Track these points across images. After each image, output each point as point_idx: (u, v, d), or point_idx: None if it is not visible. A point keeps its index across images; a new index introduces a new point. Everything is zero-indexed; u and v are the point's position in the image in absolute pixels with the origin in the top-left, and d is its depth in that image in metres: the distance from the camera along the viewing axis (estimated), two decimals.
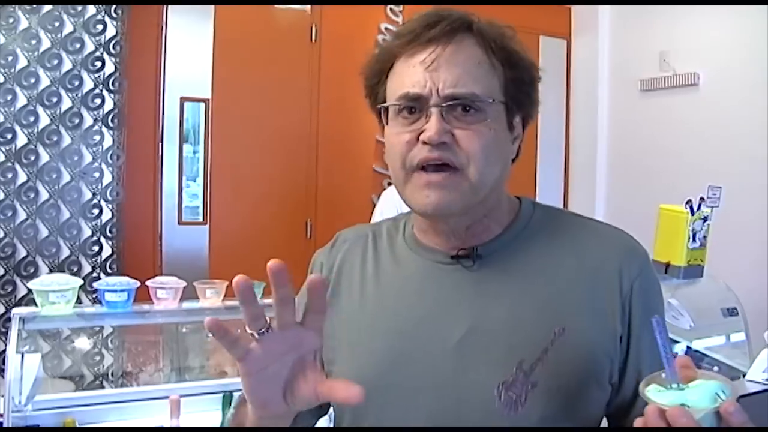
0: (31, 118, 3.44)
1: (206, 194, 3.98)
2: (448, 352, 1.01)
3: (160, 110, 3.87)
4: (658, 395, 0.83)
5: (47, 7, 3.44)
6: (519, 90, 1.04)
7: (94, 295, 3.20)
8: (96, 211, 3.57)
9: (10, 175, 3.42)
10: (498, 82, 1.01)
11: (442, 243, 1.07)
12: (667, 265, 2.69)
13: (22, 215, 3.44)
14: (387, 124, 1.04)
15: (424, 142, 0.97)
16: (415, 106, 1.00)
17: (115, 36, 3.58)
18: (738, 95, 3.90)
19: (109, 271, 3.56)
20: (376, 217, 2.98)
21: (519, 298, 1.02)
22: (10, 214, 3.42)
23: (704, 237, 2.70)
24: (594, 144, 4.86)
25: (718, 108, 4.02)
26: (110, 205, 3.60)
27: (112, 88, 3.58)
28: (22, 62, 3.42)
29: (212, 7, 3.92)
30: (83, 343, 3.13)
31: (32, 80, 3.44)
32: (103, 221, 3.59)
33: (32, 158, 3.45)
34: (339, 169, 4.24)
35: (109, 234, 3.60)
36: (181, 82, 3.90)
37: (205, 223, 3.96)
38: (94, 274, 3.52)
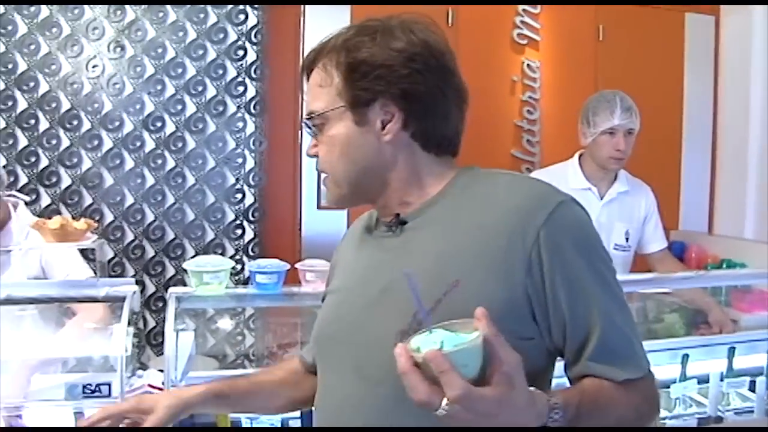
0: (179, 107, 3.59)
1: None
2: (366, 308, 1.17)
3: (300, 97, 3.94)
4: (416, 338, 0.91)
5: None
6: (357, 83, 1.15)
7: (237, 277, 3.31)
8: (239, 196, 3.69)
9: (159, 162, 3.58)
10: (333, 89, 1.17)
11: (385, 216, 1.25)
12: None
13: (170, 200, 3.60)
14: None
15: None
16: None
17: (256, 25, 3.67)
18: None
19: (251, 254, 3.68)
20: None
21: (425, 255, 1.12)
22: (159, 198, 3.59)
23: None
24: (746, 129, 4.51)
25: None
26: (253, 190, 3.70)
27: (254, 76, 3.68)
28: (170, 53, 3.57)
29: None
30: (226, 323, 3.24)
31: (179, 70, 3.59)
32: (246, 205, 3.70)
33: (180, 145, 3.60)
34: (477, 154, 4.11)
35: (251, 218, 3.70)
36: None
37: (344, 208, 3.99)
38: (237, 257, 3.65)
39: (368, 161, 1.19)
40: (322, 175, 1.25)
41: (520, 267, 1.05)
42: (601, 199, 2.90)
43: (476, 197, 1.15)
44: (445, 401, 0.84)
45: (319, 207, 3.93)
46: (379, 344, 1.07)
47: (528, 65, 4.27)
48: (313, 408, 1.31)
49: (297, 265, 2.14)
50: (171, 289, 2.09)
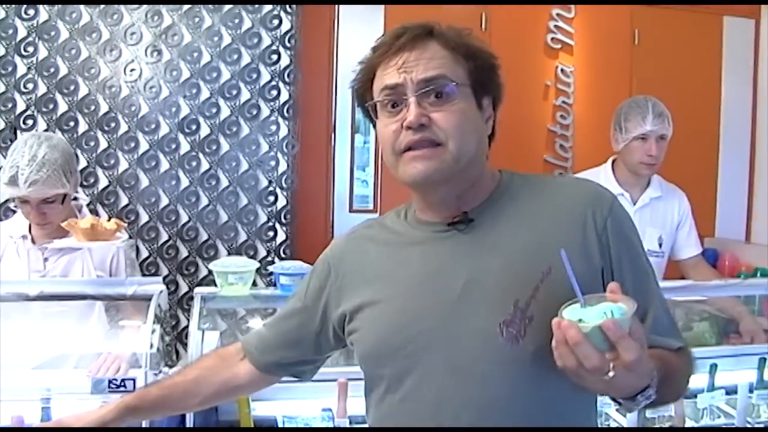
0: (213, 110, 3.65)
1: (376, 183, 4.05)
2: (452, 304, 1.17)
3: (332, 101, 3.98)
4: (566, 311, 0.98)
5: (228, 5, 3.63)
6: (482, 75, 1.22)
7: (268, 279, 3.34)
8: (272, 198, 3.73)
9: (194, 164, 3.64)
10: (462, 69, 1.20)
11: (438, 216, 1.25)
12: None
13: (204, 201, 3.66)
14: (377, 119, 1.24)
15: (408, 128, 1.16)
16: (396, 100, 1.19)
17: (290, 30, 3.71)
18: None
19: (282, 255, 3.72)
20: None
21: (508, 248, 1.17)
22: (194, 200, 3.65)
23: None
24: None
25: None
26: (285, 193, 3.74)
27: (287, 80, 3.72)
28: (205, 58, 3.63)
29: None
30: (257, 324, 3.24)
31: (214, 74, 3.65)
32: (278, 208, 3.74)
33: (214, 147, 3.66)
34: (511, 158, 4.09)
35: (283, 220, 3.74)
36: (353, 73, 3.96)
37: (375, 211, 4.03)
38: (269, 258, 3.69)
39: (480, 146, 1.24)
40: (426, 149, 1.17)
41: (595, 251, 1.17)
42: (634, 204, 2.88)
43: (535, 194, 1.24)
44: (611, 366, 0.94)
45: (350, 210, 3.97)
46: (480, 339, 1.14)
47: (561, 70, 4.25)
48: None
49: None
50: (197, 289, 2.14)
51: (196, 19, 3.60)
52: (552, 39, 4.23)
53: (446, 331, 1.17)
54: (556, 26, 4.24)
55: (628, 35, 4.33)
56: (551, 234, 1.17)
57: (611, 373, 0.94)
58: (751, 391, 2.23)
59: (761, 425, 2.22)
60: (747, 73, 4.60)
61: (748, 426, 2.20)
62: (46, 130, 3.45)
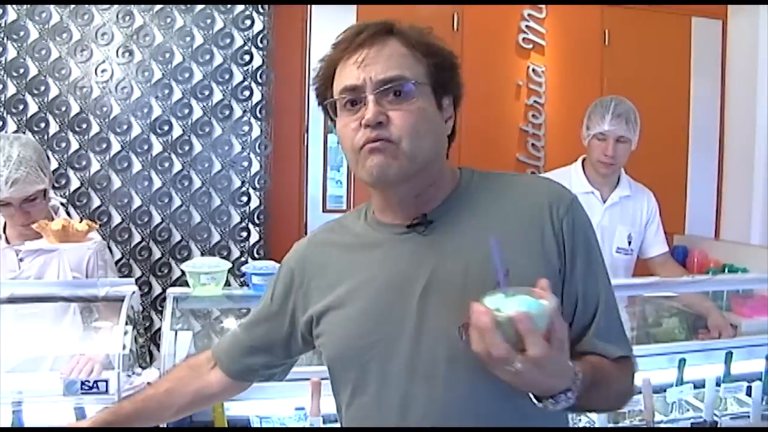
0: (186, 111, 3.64)
1: (350, 183, 4.06)
2: (413, 307, 1.18)
3: (305, 101, 3.98)
4: (488, 298, 0.99)
5: (200, 6, 3.62)
6: (442, 74, 1.22)
7: (242, 279, 3.34)
8: (245, 199, 3.73)
9: (166, 165, 3.63)
10: (422, 68, 1.20)
11: (398, 217, 1.25)
12: None
13: (177, 202, 3.65)
14: (337, 117, 1.23)
15: (366, 125, 1.15)
16: (355, 98, 1.18)
17: (262, 30, 3.71)
18: None
19: (256, 256, 3.72)
20: None
21: (467, 250, 1.18)
22: (166, 201, 3.64)
23: None
24: (752, 134, 4.50)
25: None
26: (258, 193, 3.74)
27: (260, 80, 3.71)
28: (177, 58, 3.62)
29: None
30: (231, 324, 3.24)
31: (186, 75, 3.64)
32: (252, 208, 3.74)
33: (186, 148, 3.65)
34: (482, 158, 4.16)
35: (257, 221, 3.74)
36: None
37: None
38: (243, 259, 3.69)
39: (438, 145, 1.23)
40: (380, 143, 1.16)
41: (552, 251, 1.18)
42: (604, 202, 2.92)
43: (495, 194, 1.25)
44: (519, 359, 0.94)
45: (324, 210, 3.97)
46: (440, 342, 1.15)
47: (533, 69, 4.29)
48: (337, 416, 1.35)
49: None
50: (170, 290, 2.13)
51: (168, 20, 3.59)
52: (523, 39, 4.27)
53: (407, 335, 1.18)
54: (527, 26, 4.27)
55: (598, 35, 4.38)
56: (509, 234, 1.16)
57: (518, 365, 0.94)
58: (718, 384, 2.27)
59: (728, 417, 2.26)
60: (715, 73, 4.68)
61: (715, 419, 2.25)
62: (16, 132, 3.42)
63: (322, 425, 1.97)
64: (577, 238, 1.20)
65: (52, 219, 2.35)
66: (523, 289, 1.01)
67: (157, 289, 3.64)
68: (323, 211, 4.01)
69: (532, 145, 4.30)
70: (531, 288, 1.01)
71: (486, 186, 1.26)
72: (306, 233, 3.94)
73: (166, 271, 3.66)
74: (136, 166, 3.60)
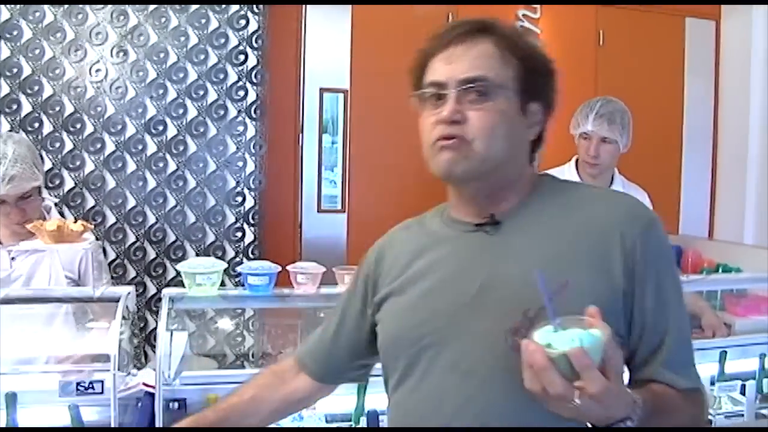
0: (180, 111, 3.63)
1: (344, 183, 4.06)
2: (465, 306, 1.18)
3: (300, 101, 3.99)
4: (537, 333, 0.96)
5: (195, 6, 3.62)
6: (534, 80, 1.21)
7: (237, 279, 3.34)
8: (239, 199, 3.72)
9: (161, 165, 3.62)
10: (510, 72, 1.19)
11: (469, 214, 1.26)
12: None
13: (171, 202, 3.64)
14: (422, 109, 1.25)
15: (442, 122, 1.18)
16: (440, 94, 1.20)
17: (257, 30, 3.70)
18: None
19: (251, 256, 3.71)
20: None
21: (528, 257, 1.16)
22: (161, 201, 3.63)
23: None
24: (746, 133, 4.52)
25: None
26: (253, 193, 3.74)
27: (254, 80, 3.71)
28: (172, 58, 3.61)
29: None
30: (226, 324, 3.26)
31: (181, 75, 3.63)
32: (246, 208, 3.73)
33: (181, 148, 3.64)
34: None
35: (251, 221, 3.74)
36: (321, 73, 4.00)
37: (344, 211, 4.04)
38: (237, 259, 3.68)
39: (515, 149, 1.22)
40: (453, 141, 1.18)
41: (619, 271, 1.14)
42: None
43: (567, 205, 1.22)
44: (577, 394, 0.91)
45: (319, 210, 3.98)
46: (486, 342, 1.14)
47: None
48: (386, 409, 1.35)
49: (288, 268, 2.17)
50: (165, 290, 2.13)
51: (163, 20, 3.58)
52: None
53: (455, 331, 1.18)
54: (522, 26, 4.27)
55: (593, 36, 4.39)
56: (575, 247, 1.16)
57: (577, 401, 0.92)
58: (712, 383, 2.28)
59: (722, 416, 2.27)
60: (709, 73, 4.70)
61: (709, 418, 2.26)
62: (10, 131, 3.41)
63: (326, 425, 1.98)
64: (650, 261, 1.15)
65: (45, 219, 2.35)
66: (572, 318, 0.97)
67: (151, 290, 3.63)
68: (318, 212, 4.01)
69: None
70: (580, 317, 0.98)
71: (561, 196, 1.25)
72: (301, 233, 4.00)
73: (160, 271, 3.65)
74: (131, 166, 3.60)
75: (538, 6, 4.31)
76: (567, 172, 2.97)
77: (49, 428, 1.93)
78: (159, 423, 1.88)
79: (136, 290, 3.45)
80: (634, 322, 1.15)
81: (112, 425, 1.83)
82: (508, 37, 1.22)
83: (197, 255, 3.65)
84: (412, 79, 1.29)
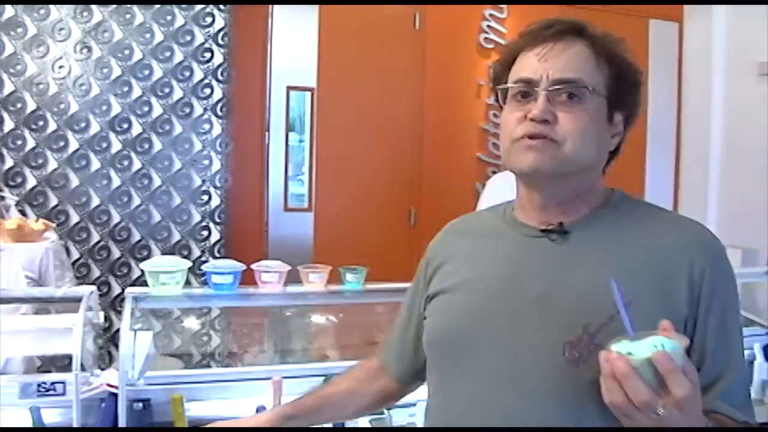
0: (146, 108, 3.60)
1: (311, 181, 4.05)
2: (524, 311, 1.14)
3: (266, 99, 3.96)
4: (615, 345, 0.93)
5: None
6: (622, 89, 1.18)
7: (202, 278, 3.32)
8: (205, 198, 3.70)
9: (126, 163, 3.59)
10: (602, 78, 1.16)
11: (535, 219, 1.21)
12: None
13: (136, 201, 3.61)
14: (505, 103, 1.20)
15: (531, 119, 1.13)
16: (528, 91, 1.16)
17: (223, 28, 3.69)
18: None
19: (217, 255, 3.69)
20: (482, 205, 2.94)
21: (593, 271, 1.12)
22: (125, 199, 3.60)
23: None
24: (707, 133, 4.61)
25: None
26: (219, 192, 3.72)
27: (220, 78, 3.69)
28: (137, 55, 3.58)
29: None
30: (192, 323, 3.24)
31: (146, 72, 3.60)
32: (212, 207, 3.71)
33: (146, 146, 3.61)
34: (443, 157, 4.23)
35: (217, 219, 3.72)
36: (287, 71, 3.98)
37: (310, 210, 4.03)
38: (203, 258, 3.66)
39: (598, 157, 1.19)
40: (541, 140, 1.14)
41: (683, 298, 1.09)
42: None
43: (637, 224, 1.18)
44: (662, 402, 0.88)
45: (285, 209, 3.96)
46: (542, 352, 1.10)
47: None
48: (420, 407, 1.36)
49: (253, 266, 2.16)
50: (128, 290, 2.10)
51: (127, 16, 3.55)
52: (485, 39, 4.30)
53: (509, 337, 1.15)
54: (488, 26, 4.30)
55: None
56: (642, 268, 1.12)
57: (661, 410, 0.88)
58: None
59: None
60: (672, 74, 4.77)
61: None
62: None
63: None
64: (716, 292, 1.11)
65: (3, 218, 2.32)
66: (647, 333, 0.93)
67: (116, 290, 3.59)
68: (284, 210, 3.99)
69: (493, 144, 4.33)
70: (645, 332, 0.94)
71: (631, 214, 1.21)
72: (267, 232, 3.99)
73: (125, 270, 3.61)
74: (95, 164, 3.56)
75: (505, 6, 4.34)
76: None
77: (65, 428, 1.91)
78: (122, 424, 1.86)
79: (101, 290, 3.43)
80: (693, 350, 1.09)
81: (75, 426, 1.80)
82: (603, 42, 1.18)
83: (163, 254, 3.62)
84: (496, 72, 1.25)
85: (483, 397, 1.16)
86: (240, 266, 2.11)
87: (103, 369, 2.21)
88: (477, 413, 1.16)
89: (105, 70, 3.54)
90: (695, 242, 1.14)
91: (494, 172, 4.15)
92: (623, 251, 1.14)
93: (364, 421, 2.06)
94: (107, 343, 3.41)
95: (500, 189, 2.95)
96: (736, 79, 4.46)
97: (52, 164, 3.50)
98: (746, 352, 2.40)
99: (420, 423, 1.98)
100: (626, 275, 1.08)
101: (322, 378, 2.16)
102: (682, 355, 0.90)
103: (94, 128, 3.54)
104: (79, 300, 2.02)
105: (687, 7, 4.77)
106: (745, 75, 4.35)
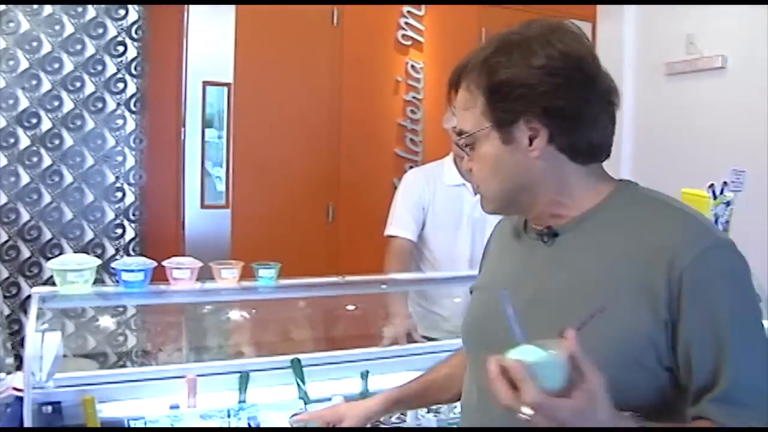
0: (56, 103, 3.50)
1: (229, 178, 4.02)
2: (518, 313, 1.11)
3: (182, 94, 3.91)
4: (511, 351, 0.98)
5: None
6: (501, 104, 1.15)
7: (115, 277, 3.25)
8: (119, 195, 3.63)
9: (35, 159, 3.48)
10: (478, 108, 1.17)
11: (535, 223, 1.26)
12: None
13: (47, 198, 3.51)
14: None
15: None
16: None
17: (137, 21, 3.61)
18: (766, 79, 3.82)
19: (132, 253, 3.62)
20: (398, 201, 2.96)
21: (574, 274, 1.16)
22: (35, 197, 3.49)
23: (726, 222, 2.64)
24: (619, 129, 4.63)
25: (746, 92, 3.94)
26: (133, 189, 3.65)
27: (134, 72, 3.62)
28: (46, 48, 3.47)
29: None
30: (107, 322, 3.16)
31: (56, 65, 3.50)
32: (126, 204, 3.64)
33: (57, 142, 3.51)
34: (361, 153, 4.25)
35: (132, 217, 3.65)
36: (204, 66, 3.93)
37: (228, 207, 4.00)
38: (117, 257, 3.58)
39: (518, 178, 1.19)
40: (475, 186, 1.26)
41: (662, 303, 1.06)
42: (475, 195, 2.98)
43: (632, 221, 1.15)
44: (524, 406, 0.93)
45: (202, 206, 3.92)
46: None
47: (412, 66, 4.37)
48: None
49: (164, 263, 2.12)
50: (34, 289, 2.04)
51: (35, 6, 3.43)
52: (402, 36, 4.34)
53: (503, 338, 1.11)
54: (406, 23, 4.36)
55: (474, 34, 4.50)
56: (621, 270, 1.10)
57: (523, 414, 0.93)
58: None
59: None
60: None
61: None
62: None
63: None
64: (701, 294, 1.06)
65: None
66: (548, 341, 0.97)
67: (26, 291, 3.48)
68: (201, 207, 3.95)
69: (411, 140, 4.38)
70: (560, 339, 0.96)
71: (634, 209, 1.17)
72: (184, 229, 3.93)
73: (36, 271, 3.51)
74: (2, 160, 3.44)
75: (423, 5, 4.39)
76: (446, 165, 2.98)
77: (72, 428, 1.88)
78: (27, 424, 1.81)
79: (9, 291, 3.33)
80: (678, 355, 1.07)
81: None
82: (471, 69, 1.18)
83: (75, 253, 3.52)
84: None
85: (478, 394, 1.26)
86: (151, 263, 2.08)
87: (9, 373, 2.14)
88: (478, 404, 1.25)
89: (11, 63, 3.42)
90: (678, 241, 1.08)
91: (411, 167, 4.20)
92: (607, 252, 1.13)
93: None
94: (18, 345, 3.30)
95: (415, 184, 2.99)
96: (645, 78, 4.63)
97: None
98: None
99: None
100: (605, 278, 1.11)
101: (237, 375, 2.16)
102: (552, 365, 0.94)
103: (1, 123, 3.42)
104: None
105: (600, 7, 4.92)
106: (653, 74, 4.52)
